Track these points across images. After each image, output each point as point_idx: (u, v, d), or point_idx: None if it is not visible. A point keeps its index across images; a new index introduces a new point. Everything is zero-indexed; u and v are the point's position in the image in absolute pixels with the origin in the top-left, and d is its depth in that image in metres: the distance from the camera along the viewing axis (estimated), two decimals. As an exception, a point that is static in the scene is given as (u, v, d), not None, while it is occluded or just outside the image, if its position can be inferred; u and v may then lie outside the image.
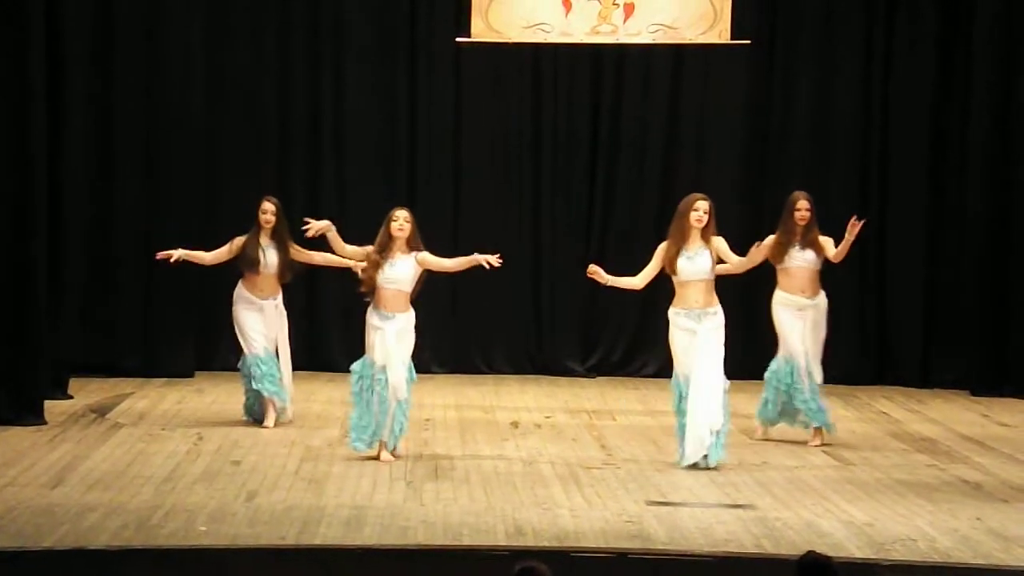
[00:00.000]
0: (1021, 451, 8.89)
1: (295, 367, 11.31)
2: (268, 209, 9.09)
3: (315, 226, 8.38)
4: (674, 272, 8.14)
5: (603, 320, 11.89)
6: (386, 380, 8.11)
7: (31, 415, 8.96)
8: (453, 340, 11.79)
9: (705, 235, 8.14)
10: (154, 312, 11.26)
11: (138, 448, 8.38)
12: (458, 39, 11.39)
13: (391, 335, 8.11)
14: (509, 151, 11.89)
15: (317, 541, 6.40)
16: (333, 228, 8.39)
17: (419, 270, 8.18)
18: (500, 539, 6.49)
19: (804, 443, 8.90)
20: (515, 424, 9.60)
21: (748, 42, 11.39)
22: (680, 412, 8.11)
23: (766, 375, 8.93)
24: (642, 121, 11.86)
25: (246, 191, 11.33)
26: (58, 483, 7.40)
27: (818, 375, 8.83)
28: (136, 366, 11.17)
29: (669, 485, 7.69)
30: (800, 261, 8.77)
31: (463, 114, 11.82)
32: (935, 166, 11.66)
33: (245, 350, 9.09)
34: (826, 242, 8.81)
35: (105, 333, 11.21)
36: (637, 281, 8.33)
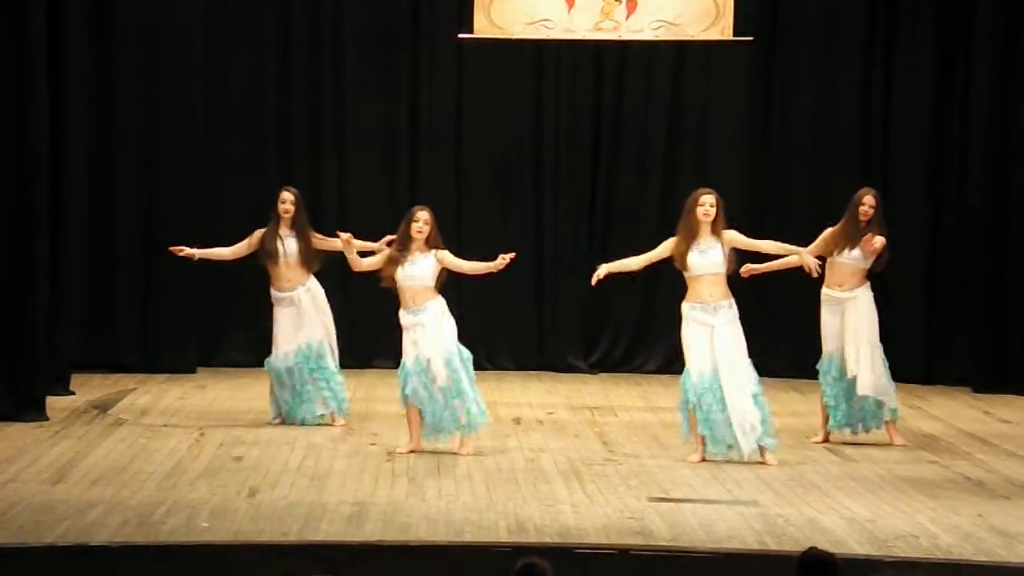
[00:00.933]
0: (1023, 448, 8.88)
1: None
2: (287, 199, 8.98)
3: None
4: (685, 268, 8.10)
5: (605, 316, 11.89)
6: (432, 371, 8.14)
7: (33, 411, 8.95)
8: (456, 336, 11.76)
9: (715, 229, 8.10)
10: (156, 308, 11.26)
11: (140, 444, 8.39)
12: (460, 35, 11.38)
13: (431, 327, 8.18)
14: (511, 147, 11.88)
15: (319, 537, 6.40)
16: (352, 243, 8.41)
17: (439, 267, 8.25)
18: (502, 535, 6.49)
19: (807, 439, 8.90)
20: (517, 420, 9.60)
21: (750, 39, 11.38)
22: (700, 409, 8.01)
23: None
24: (644, 117, 11.85)
25: (247, 189, 11.34)
26: (60, 479, 7.41)
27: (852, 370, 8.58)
28: (138, 362, 11.18)
29: (671, 481, 7.69)
30: (847, 258, 8.62)
31: (465, 111, 11.82)
32: (936, 163, 11.66)
33: (273, 352, 8.95)
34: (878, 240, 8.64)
35: (107, 329, 11.22)
36: (637, 263, 8.31)
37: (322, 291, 9.02)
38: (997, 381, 11.18)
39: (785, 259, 8.47)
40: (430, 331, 8.18)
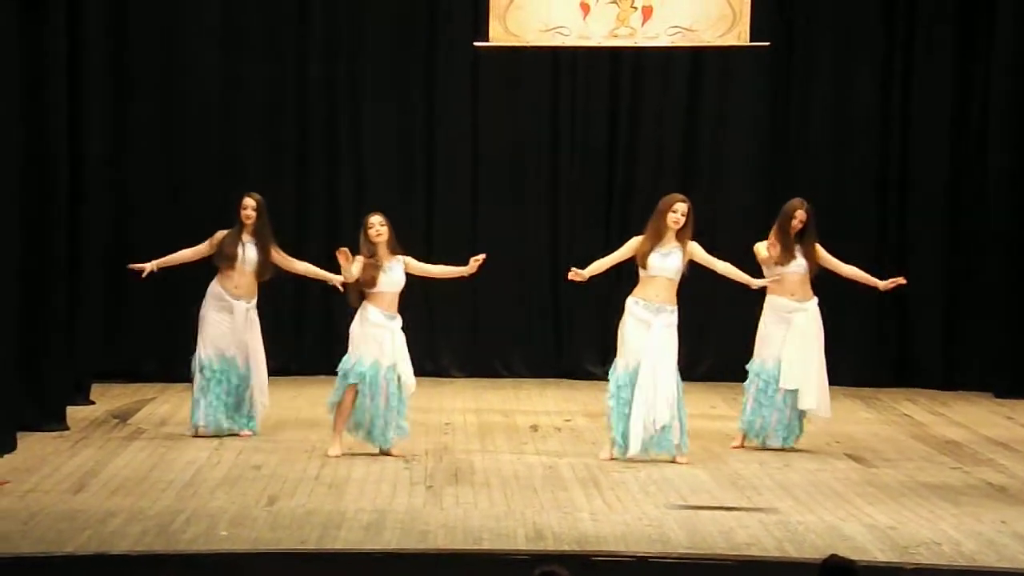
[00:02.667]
0: (1045, 453, 8.84)
1: (312, 372, 11.38)
2: (248, 205, 8.85)
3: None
4: (644, 266, 8.32)
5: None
6: (399, 378, 8.28)
7: (53, 421, 8.98)
8: (472, 344, 11.78)
9: (681, 236, 8.31)
10: (174, 317, 11.26)
11: (159, 453, 8.40)
12: (476, 43, 11.39)
13: (399, 333, 8.34)
14: (527, 155, 11.88)
15: (337, 545, 6.40)
16: (317, 272, 8.61)
17: (405, 272, 8.41)
18: (520, 543, 6.48)
19: (827, 445, 8.86)
20: (535, 427, 9.58)
21: (767, 44, 11.36)
22: (619, 401, 8.19)
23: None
24: (660, 124, 11.84)
25: (264, 195, 11.35)
26: (80, 488, 7.42)
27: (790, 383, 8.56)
28: (157, 371, 11.20)
29: (690, 488, 7.67)
30: (793, 268, 8.62)
31: (481, 118, 11.82)
32: (956, 168, 11.62)
33: (199, 351, 8.82)
34: (820, 250, 8.67)
35: (126, 339, 11.25)
36: (604, 263, 8.52)
37: (256, 321, 8.84)
38: (1020, 386, 11.12)
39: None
40: (399, 341, 8.33)
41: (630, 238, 11.67)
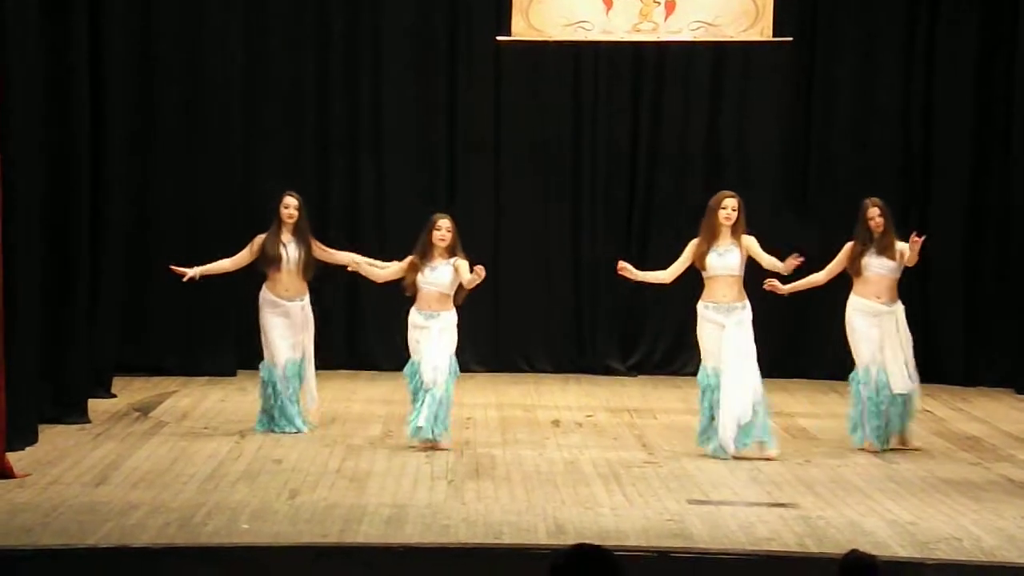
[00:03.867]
0: (1068, 450, 8.80)
1: (335, 366, 11.42)
2: (291, 204, 8.83)
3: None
4: (703, 268, 8.31)
5: (644, 319, 11.86)
6: (419, 371, 8.33)
7: (75, 414, 9.02)
8: (494, 339, 11.79)
9: (735, 232, 8.29)
10: (196, 311, 11.31)
11: (181, 446, 8.43)
12: (498, 38, 11.39)
13: (435, 331, 8.34)
14: (549, 149, 11.87)
15: (359, 539, 6.41)
16: (359, 262, 8.60)
17: (456, 275, 8.39)
18: (541, 538, 6.48)
19: (846, 441, 8.84)
20: (556, 423, 9.59)
21: (790, 40, 11.33)
22: (707, 405, 8.22)
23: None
24: (683, 118, 11.82)
25: (285, 192, 11.39)
26: (102, 481, 7.45)
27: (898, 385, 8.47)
28: (179, 365, 11.24)
29: (711, 484, 7.66)
30: (878, 268, 8.51)
31: (503, 113, 11.82)
32: (978, 163, 11.56)
33: (267, 359, 8.83)
34: (903, 248, 8.52)
35: (147, 332, 11.29)
36: (666, 275, 8.54)
37: (311, 316, 8.88)
38: (1041, 382, 11.07)
39: (808, 279, 8.56)
40: (432, 337, 8.33)
41: (651, 233, 11.80)
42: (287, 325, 8.82)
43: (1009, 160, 11.33)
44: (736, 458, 8.15)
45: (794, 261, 8.31)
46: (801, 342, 11.34)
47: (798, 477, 7.85)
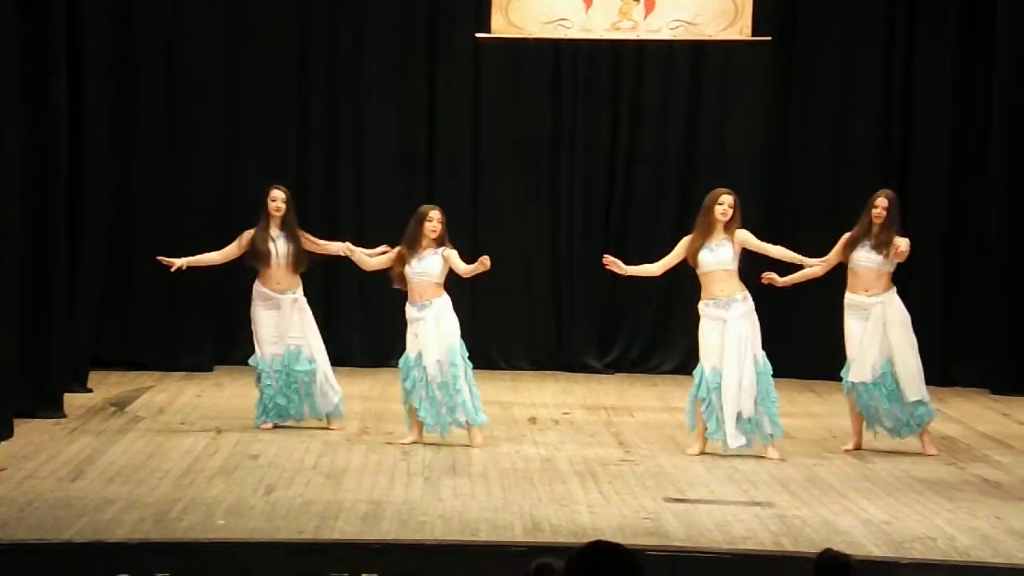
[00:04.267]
0: (1041, 450, 8.85)
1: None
2: (278, 197, 8.76)
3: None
4: (696, 264, 8.29)
5: (621, 316, 11.87)
6: (424, 365, 8.31)
7: (51, 408, 8.99)
8: (471, 335, 11.68)
9: (729, 228, 8.27)
10: (173, 306, 11.29)
11: (157, 442, 8.41)
12: (478, 35, 11.38)
13: (431, 322, 8.35)
14: (528, 147, 11.88)
15: (335, 536, 6.40)
16: (353, 249, 8.56)
17: (446, 265, 8.42)
18: (517, 535, 6.49)
19: (822, 440, 8.87)
20: (533, 420, 9.59)
21: (769, 39, 11.36)
22: (708, 405, 8.18)
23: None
24: (662, 117, 11.84)
25: (265, 187, 11.38)
26: (77, 476, 7.43)
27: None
28: (155, 360, 11.20)
29: (687, 482, 7.68)
30: (866, 261, 8.45)
31: (482, 110, 11.82)
32: (957, 163, 11.62)
33: (256, 351, 8.81)
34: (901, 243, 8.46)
35: (124, 327, 11.26)
36: (655, 268, 8.54)
37: (307, 307, 8.82)
38: (1016, 383, 11.13)
39: (804, 271, 8.52)
40: (430, 327, 8.36)
41: (630, 231, 11.81)
42: (276, 319, 8.74)
43: (988, 159, 11.39)
44: (732, 456, 8.12)
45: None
46: (778, 341, 11.34)
47: (774, 476, 7.88)
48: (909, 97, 11.64)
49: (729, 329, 8.17)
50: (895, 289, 8.57)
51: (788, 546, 6.41)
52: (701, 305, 8.31)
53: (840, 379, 8.71)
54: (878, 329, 8.44)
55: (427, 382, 8.34)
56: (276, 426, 8.77)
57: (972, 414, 10.25)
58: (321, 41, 11.71)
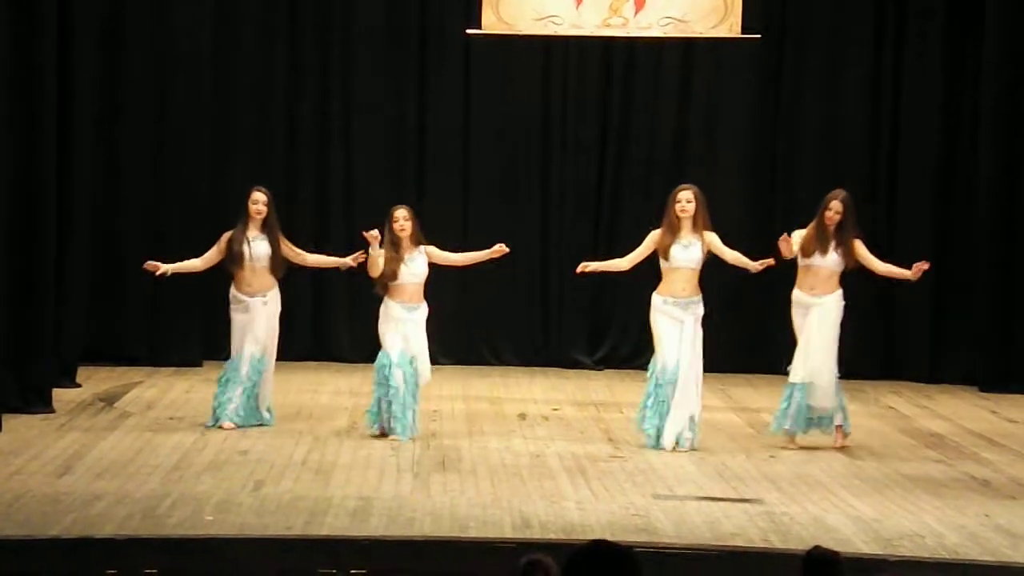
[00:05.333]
0: (1029, 448, 8.87)
1: (302, 357, 11.38)
2: (259, 199, 8.64)
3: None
4: (666, 258, 8.37)
5: (611, 313, 11.87)
6: (416, 369, 8.41)
7: (39, 403, 8.97)
8: (461, 331, 11.78)
9: (697, 225, 8.34)
10: (162, 301, 11.26)
11: (146, 437, 8.39)
12: (468, 31, 11.37)
13: (422, 325, 8.45)
14: (518, 143, 11.87)
15: (324, 531, 6.40)
16: (335, 263, 8.68)
17: (428, 263, 8.50)
18: (507, 531, 6.49)
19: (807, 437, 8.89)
20: (522, 416, 9.59)
21: (758, 37, 11.37)
22: (657, 396, 8.28)
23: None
24: (651, 114, 11.84)
25: (253, 187, 11.38)
26: (65, 471, 7.41)
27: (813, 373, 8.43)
28: (144, 355, 11.18)
29: (676, 479, 7.68)
30: (819, 260, 8.47)
31: (472, 106, 11.81)
32: (946, 161, 11.64)
33: (233, 352, 8.67)
34: (859, 246, 8.49)
35: (113, 322, 11.23)
36: (624, 263, 8.63)
37: (278, 307, 8.70)
38: (1004, 380, 11.15)
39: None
40: (420, 332, 8.46)
41: (619, 227, 11.81)
42: (247, 322, 8.64)
43: (977, 157, 11.41)
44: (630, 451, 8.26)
45: (766, 262, 8.36)
46: (764, 337, 11.37)
47: (763, 473, 7.88)
48: (898, 95, 11.65)
49: (686, 333, 8.28)
50: (840, 292, 8.56)
51: (777, 543, 6.42)
52: (658, 299, 8.38)
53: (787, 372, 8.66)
54: (811, 328, 8.45)
55: (408, 381, 8.35)
56: (227, 427, 8.57)
57: (961, 411, 10.27)
58: (310, 36, 11.68)
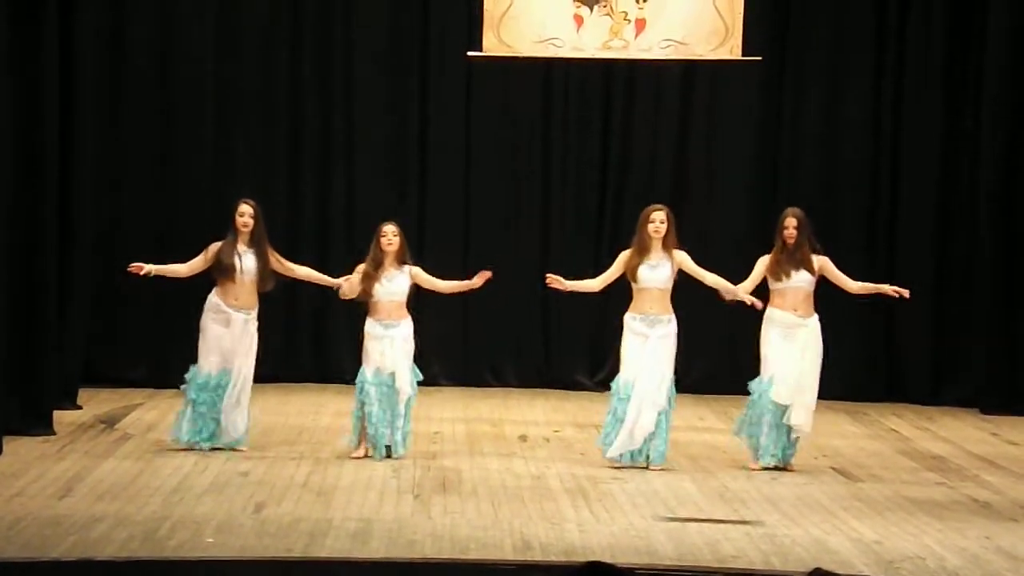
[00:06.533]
0: (1031, 470, 8.87)
1: (304, 379, 11.39)
2: (245, 212, 8.57)
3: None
4: (634, 279, 8.45)
5: (612, 334, 11.84)
6: (396, 386, 8.42)
7: (40, 425, 8.96)
8: (462, 353, 11.79)
9: (666, 245, 8.43)
10: (163, 323, 11.26)
11: (146, 459, 8.39)
12: (470, 53, 11.41)
13: (400, 341, 8.44)
14: (519, 165, 11.90)
15: (324, 553, 6.39)
16: (323, 277, 8.67)
17: (412, 284, 8.54)
18: (507, 553, 6.48)
19: (814, 459, 8.88)
20: (523, 438, 9.59)
21: (759, 59, 11.40)
22: (615, 412, 8.36)
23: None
24: (652, 136, 11.87)
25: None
26: (66, 494, 7.41)
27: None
28: (145, 377, 11.19)
29: (677, 500, 7.68)
30: (795, 280, 8.45)
31: (474, 128, 11.84)
32: (947, 180, 11.66)
33: (198, 363, 8.52)
34: (823, 261, 8.51)
35: (114, 344, 11.24)
36: (595, 284, 8.70)
37: (255, 333, 8.56)
38: (1006, 402, 11.15)
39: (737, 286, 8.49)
40: (398, 346, 8.45)
41: (620, 249, 11.81)
42: (222, 335, 8.52)
43: (978, 177, 11.42)
44: (618, 467, 8.30)
45: (755, 302, 8.40)
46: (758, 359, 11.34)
47: (764, 495, 7.88)
48: (898, 116, 11.68)
49: (649, 348, 8.32)
50: (816, 316, 8.54)
51: (778, 565, 6.41)
52: (627, 318, 8.46)
53: (745, 391, 8.61)
54: (800, 352, 8.42)
55: (392, 398, 8.38)
56: (193, 448, 8.50)
57: (962, 434, 10.27)
58: (313, 59, 11.72)
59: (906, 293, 8.74)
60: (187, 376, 8.66)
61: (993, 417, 10.98)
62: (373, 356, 8.45)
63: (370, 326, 8.49)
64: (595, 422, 10.33)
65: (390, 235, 8.49)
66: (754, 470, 8.44)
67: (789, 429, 8.50)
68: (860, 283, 8.80)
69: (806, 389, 8.48)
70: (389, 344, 8.43)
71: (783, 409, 8.46)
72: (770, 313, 8.57)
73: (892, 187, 11.75)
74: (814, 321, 8.56)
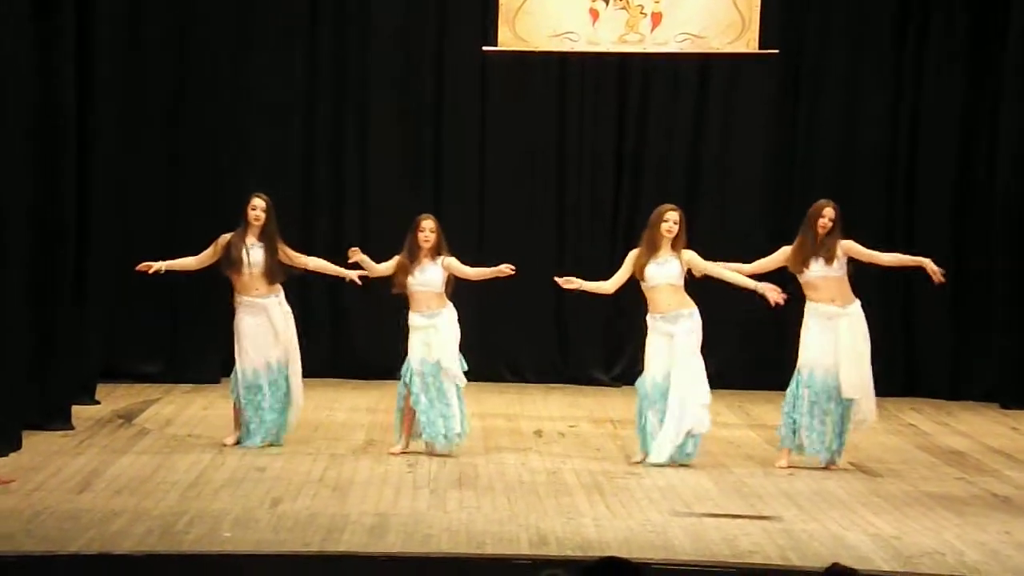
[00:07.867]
0: (1050, 464, 8.83)
1: (319, 374, 11.41)
2: (258, 205, 8.48)
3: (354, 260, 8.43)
4: (643, 279, 8.38)
5: (628, 329, 11.85)
6: (446, 372, 8.42)
7: (59, 420, 9.00)
8: (478, 348, 11.71)
9: (676, 245, 8.37)
10: (181, 318, 11.29)
11: (164, 454, 8.41)
12: (485, 48, 11.40)
13: (443, 328, 8.46)
14: (535, 159, 11.89)
15: (341, 548, 6.40)
16: (359, 254, 8.50)
17: (447, 274, 8.52)
18: (523, 548, 6.48)
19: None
20: (539, 433, 9.58)
21: (776, 52, 11.37)
22: (642, 415, 8.31)
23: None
24: (668, 130, 11.84)
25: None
26: (84, 488, 7.43)
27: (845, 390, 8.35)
28: (163, 372, 11.22)
29: (693, 495, 7.66)
30: (825, 271, 8.40)
31: (489, 123, 11.83)
32: (964, 178, 11.61)
33: (237, 362, 8.47)
34: (847, 245, 8.42)
35: (132, 339, 11.27)
36: (608, 286, 8.62)
37: (291, 313, 8.53)
38: (1025, 397, 11.10)
39: (736, 276, 8.42)
40: (443, 335, 8.46)
41: (635, 244, 11.78)
42: (260, 325, 8.46)
43: (996, 172, 11.37)
44: (659, 465, 8.21)
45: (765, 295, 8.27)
46: (782, 353, 11.33)
47: (781, 490, 7.86)
48: (916, 109, 11.63)
49: (676, 345, 8.25)
50: (858, 302, 8.47)
51: (795, 561, 6.39)
52: (649, 319, 8.41)
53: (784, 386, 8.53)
54: (847, 342, 8.35)
55: (439, 387, 8.37)
56: (269, 444, 8.53)
57: (981, 428, 10.23)
58: (327, 54, 11.73)
59: (941, 275, 8.50)
60: (233, 384, 8.56)
61: (1013, 411, 10.94)
62: (416, 346, 8.45)
63: (412, 318, 8.51)
64: (611, 417, 10.33)
65: (427, 231, 8.49)
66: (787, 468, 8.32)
67: (840, 422, 8.34)
68: (894, 254, 8.70)
69: (864, 378, 8.37)
70: (434, 333, 8.44)
71: (829, 402, 8.32)
72: (810, 306, 8.46)
73: (909, 182, 11.70)
74: (855, 307, 8.44)
